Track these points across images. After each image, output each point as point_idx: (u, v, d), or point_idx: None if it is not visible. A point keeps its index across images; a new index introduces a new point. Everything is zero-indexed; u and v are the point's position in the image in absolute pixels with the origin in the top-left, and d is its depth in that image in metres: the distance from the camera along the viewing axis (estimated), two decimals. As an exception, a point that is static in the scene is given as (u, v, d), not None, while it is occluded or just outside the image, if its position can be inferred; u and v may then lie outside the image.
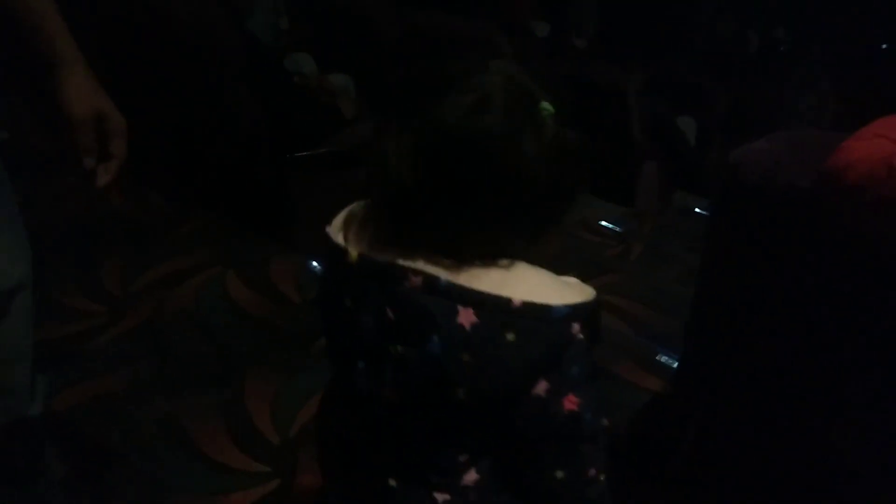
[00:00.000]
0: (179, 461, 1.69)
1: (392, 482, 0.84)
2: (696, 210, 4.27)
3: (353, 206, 0.82)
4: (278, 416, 1.81)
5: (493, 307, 0.69)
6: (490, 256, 0.72)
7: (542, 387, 0.73)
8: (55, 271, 2.32)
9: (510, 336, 0.69)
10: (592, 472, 0.80)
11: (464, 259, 0.71)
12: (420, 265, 0.71)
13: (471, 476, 0.82)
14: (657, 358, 2.21)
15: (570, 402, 0.74)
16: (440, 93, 0.70)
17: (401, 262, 0.71)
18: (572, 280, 0.78)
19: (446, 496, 0.83)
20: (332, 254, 0.78)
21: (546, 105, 0.73)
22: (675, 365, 2.13)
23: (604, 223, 3.38)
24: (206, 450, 1.71)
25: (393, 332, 0.73)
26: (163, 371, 1.96)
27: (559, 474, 0.78)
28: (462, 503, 0.83)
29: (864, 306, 1.03)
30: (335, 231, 0.79)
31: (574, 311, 0.72)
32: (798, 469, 1.25)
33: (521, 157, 0.69)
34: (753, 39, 5.60)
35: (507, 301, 0.69)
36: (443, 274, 0.70)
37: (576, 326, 0.72)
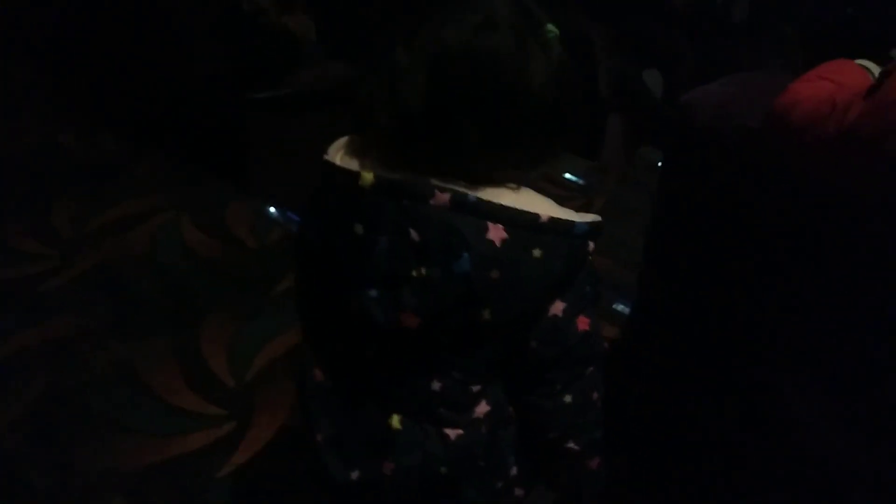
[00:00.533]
0: (135, 404, 1.68)
1: (395, 423, 0.83)
2: (660, 164, 4.31)
3: (347, 137, 0.79)
4: (234, 360, 1.81)
5: (523, 223, 0.69)
6: (499, 179, 0.72)
7: (558, 307, 0.74)
8: (2, 213, 2.26)
9: (537, 252, 0.69)
10: (595, 395, 0.83)
11: (477, 180, 0.70)
12: (443, 183, 0.69)
13: (482, 408, 0.83)
14: (613, 307, 2.25)
15: (583, 323, 0.76)
16: (446, 12, 0.69)
17: (422, 178, 0.70)
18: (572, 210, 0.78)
19: (458, 431, 0.83)
20: (337, 180, 0.75)
21: (551, 27, 0.72)
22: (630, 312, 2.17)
23: (567, 176, 3.39)
24: (161, 393, 1.71)
25: (416, 254, 0.71)
26: (117, 315, 1.93)
27: (567, 399, 0.80)
28: (475, 436, 0.84)
29: (811, 244, 1.05)
30: (339, 158, 0.76)
31: (592, 228, 0.74)
32: (747, 411, 1.28)
33: (529, 76, 0.68)
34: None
35: (536, 217, 0.69)
36: (468, 190, 0.69)
37: (591, 245, 0.75)
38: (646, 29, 4.39)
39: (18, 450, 1.55)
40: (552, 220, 0.70)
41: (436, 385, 0.81)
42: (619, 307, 2.24)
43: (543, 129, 0.72)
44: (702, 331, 1.34)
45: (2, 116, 2.67)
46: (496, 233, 0.69)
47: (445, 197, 0.69)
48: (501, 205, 0.69)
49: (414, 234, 0.70)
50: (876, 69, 1.03)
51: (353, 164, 0.74)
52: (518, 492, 0.92)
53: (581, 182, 3.38)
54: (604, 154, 3.77)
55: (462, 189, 0.69)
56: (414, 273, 0.71)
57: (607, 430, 0.87)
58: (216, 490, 1.50)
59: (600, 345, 0.81)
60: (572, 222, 0.72)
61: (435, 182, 0.69)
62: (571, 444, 0.84)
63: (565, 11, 3.77)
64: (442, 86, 0.67)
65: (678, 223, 1.30)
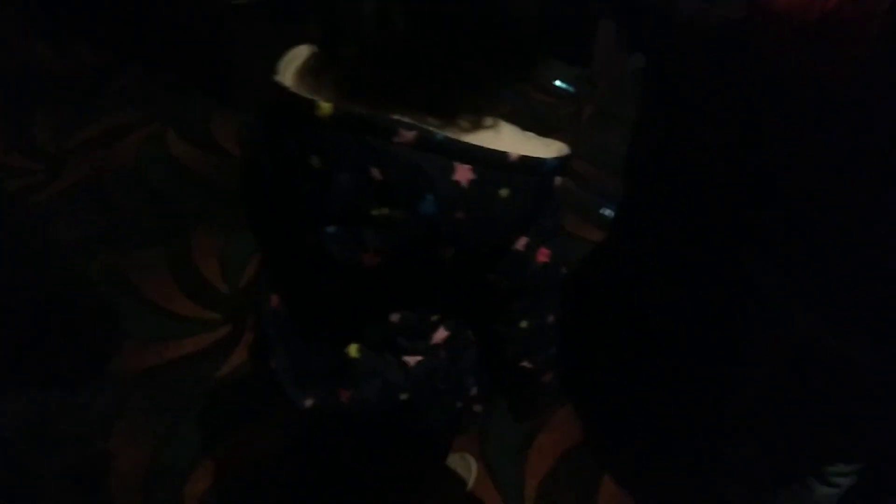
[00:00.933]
0: (130, 310, 1.72)
1: (353, 352, 0.83)
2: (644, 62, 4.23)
3: (299, 51, 0.73)
4: (227, 269, 1.85)
5: (491, 162, 0.66)
6: (475, 111, 0.67)
7: (521, 242, 0.72)
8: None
9: (504, 192, 0.67)
10: (551, 318, 0.83)
11: (451, 114, 0.66)
12: (409, 119, 0.64)
13: (440, 334, 0.84)
14: (601, 211, 2.27)
15: (543, 255, 0.75)
16: None
17: (386, 114, 0.64)
18: (547, 139, 0.74)
19: (418, 358, 0.84)
20: (289, 107, 0.68)
21: None
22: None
23: (557, 83, 3.35)
24: (156, 299, 1.75)
25: (377, 193, 0.66)
26: (107, 226, 1.95)
27: (523, 324, 0.80)
28: (434, 362, 0.85)
29: (795, 135, 1.06)
30: (291, 79, 0.69)
31: (561, 163, 0.70)
32: (724, 305, 1.32)
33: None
34: None
35: (504, 155, 0.66)
36: (437, 129, 0.65)
37: (558, 179, 0.71)
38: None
39: (16, 356, 1.60)
40: (521, 158, 0.66)
41: (394, 317, 0.80)
42: (606, 212, 2.27)
43: (524, 52, 0.67)
44: (684, 229, 1.36)
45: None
46: (463, 173, 0.65)
47: (411, 135, 0.64)
48: (469, 144, 0.65)
49: (376, 173, 0.65)
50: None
51: (306, 90, 0.68)
52: (477, 408, 0.95)
53: (571, 90, 3.34)
54: (594, 61, 3.70)
55: (428, 127, 0.64)
56: (375, 212, 0.68)
57: (594, 331, 0.89)
58: (216, 389, 1.56)
59: (559, 274, 0.79)
60: (542, 160, 0.68)
61: (399, 118, 0.64)
62: (526, 363, 0.86)
63: None
64: (415, 10, 0.61)
65: (661, 121, 1.31)
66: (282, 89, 0.68)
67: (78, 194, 2.04)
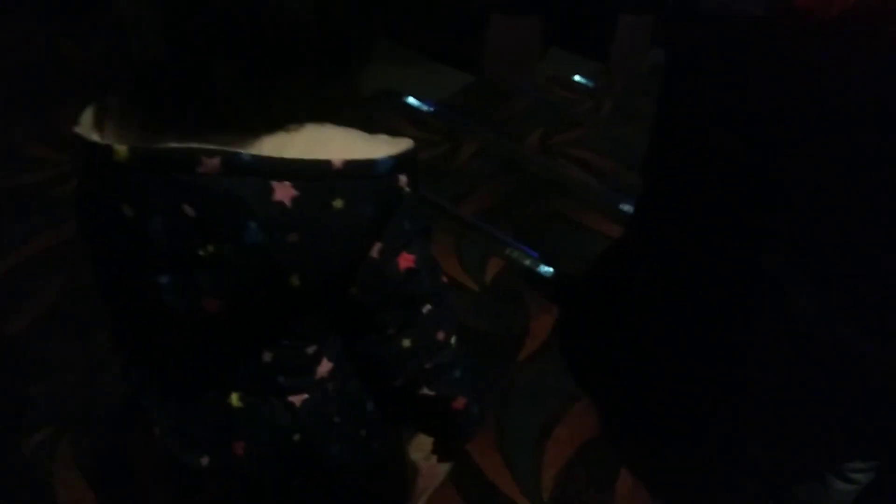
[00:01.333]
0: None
1: (235, 401, 0.77)
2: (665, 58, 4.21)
3: (103, 99, 0.66)
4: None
5: (313, 174, 0.60)
6: (285, 121, 0.62)
7: (375, 248, 0.66)
8: (11, 120, 2.28)
9: (338, 203, 0.61)
10: (441, 335, 0.76)
11: (256, 128, 0.61)
12: (211, 145, 0.59)
13: (324, 367, 0.77)
14: (620, 207, 2.27)
15: (406, 260, 0.69)
16: None
17: (185, 145, 0.59)
18: (382, 136, 0.68)
19: (303, 396, 0.77)
20: (92, 156, 0.63)
21: None
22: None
23: (576, 78, 3.34)
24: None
25: (196, 232, 0.61)
26: None
27: (406, 343, 0.74)
28: (321, 398, 0.78)
29: (817, 132, 1.05)
30: (87, 129, 0.64)
31: (398, 161, 0.65)
32: (742, 302, 1.32)
33: None
34: None
35: (327, 164, 0.60)
36: (242, 149, 0.59)
37: (402, 178, 0.66)
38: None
39: (45, 342, 1.64)
40: (347, 163, 0.61)
41: (267, 356, 0.74)
42: (626, 207, 2.27)
43: (317, 56, 0.61)
44: (704, 226, 1.36)
45: (4, 24, 2.63)
46: (283, 192, 0.59)
47: (215, 161, 0.58)
48: (282, 158, 0.59)
49: (188, 210, 0.60)
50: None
51: (104, 135, 0.62)
52: (386, 429, 0.89)
53: (590, 84, 3.33)
54: (613, 55, 3.69)
55: (232, 148, 0.59)
56: (201, 252, 0.62)
57: (611, 325, 0.82)
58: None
59: (434, 281, 0.73)
60: (372, 161, 0.63)
61: (199, 146, 0.58)
62: (426, 391, 0.78)
63: None
64: (179, 28, 0.56)
65: (682, 117, 1.31)
66: (80, 138, 0.63)
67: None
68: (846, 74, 0.95)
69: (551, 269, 2.00)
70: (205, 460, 0.81)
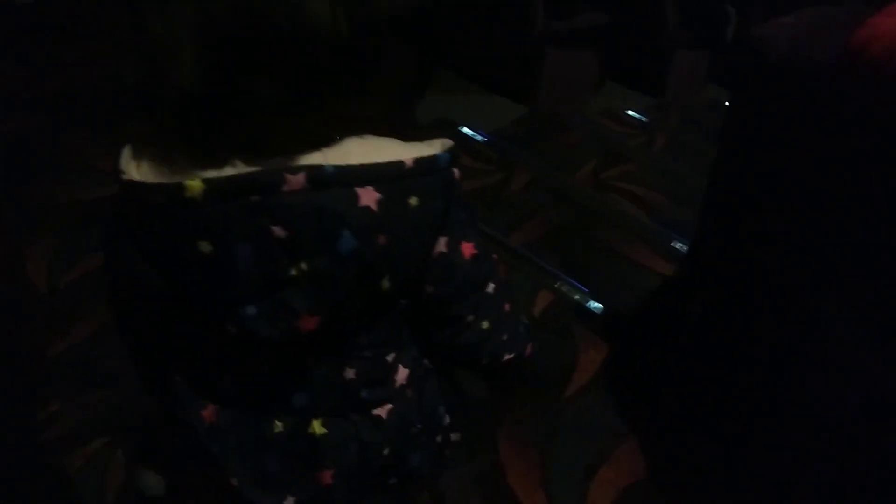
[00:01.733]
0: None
1: (317, 428, 0.77)
2: (726, 104, 4.18)
3: (135, 144, 0.64)
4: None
5: (391, 175, 0.62)
6: (330, 137, 0.63)
7: (442, 243, 0.70)
8: (81, 134, 2.37)
9: (413, 200, 0.64)
10: (507, 306, 0.80)
11: (326, 140, 0.63)
12: (290, 162, 0.60)
13: (401, 374, 0.79)
14: (672, 244, 2.25)
15: (468, 249, 0.72)
16: None
17: (253, 169, 0.59)
18: (418, 143, 0.70)
19: (388, 406, 0.79)
20: (153, 200, 0.60)
21: None
22: (686, 250, 2.18)
23: (630, 112, 3.34)
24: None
25: (287, 252, 0.62)
26: None
27: (485, 325, 0.77)
28: (404, 406, 0.80)
29: (882, 189, 1.04)
30: (140, 172, 0.61)
31: (453, 155, 0.68)
32: (795, 351, 1.30)
33: (309, 14, 0.58)
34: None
35: (400, 164, 0.63)
36: (322, 162, 0.61)
37: (456, 171, 0.69)
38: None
39: (105, 353, 1.67)
40: (416, 161, 0.64)
41: (349, 372, 0.75)
42: (678, 245, 2.25)
43: (353, 67, 0.62)
44: (760, 270, 1.35)
45: (78, 41, 2.74)
46: (368, 196, 0.61)
47: (300, 178, 0.59)
48: (362, 165, 0.61)
49: (278, 231, 0.60)
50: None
51: (163, 175, 0.61)
52: (454, 436, 0.91)
53: (643, 119, 3.33)
54: (668, 91, 3.68)
55: (315, 162, 0.60)
56: (293, 272, 0.62)
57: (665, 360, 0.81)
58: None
59: (490, 261, 0.76)
60: (435, 156, 0.65)
61: (280, 164, 0.59)
62: (507, 356, 0.82)
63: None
64: (218, 53, 0.56)
65: (744, 162, 1.30)
66: (137, 185, 0.61)
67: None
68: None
69: (601, 305, 1.99)
70: (290, 501, 0.80)
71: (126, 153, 0.63)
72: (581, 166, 2.70)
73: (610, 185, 2.59)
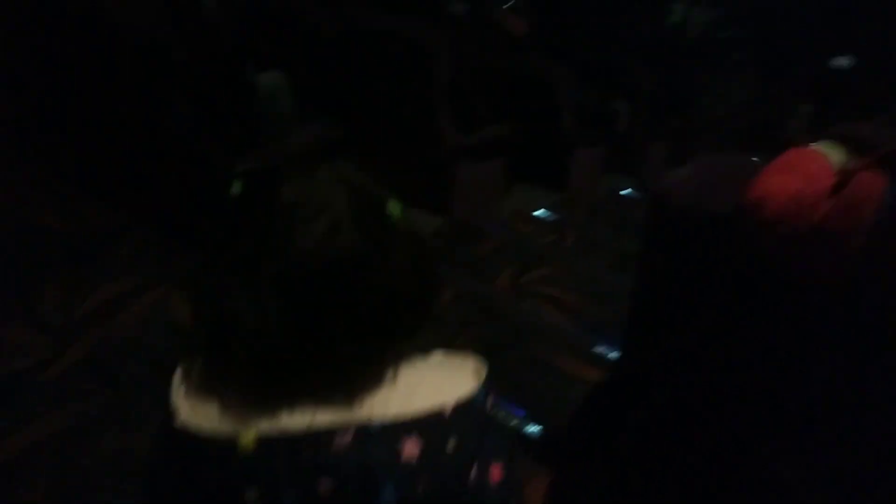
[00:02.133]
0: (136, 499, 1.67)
1: None
2: (621, 193, 4.44)
3: (184, 381, 0.69)
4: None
5: (433, 426, 0.66)
6: (381, 376, 0.67)
7: (473, 471, 0.70)
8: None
9: (451, 444, 0.66)
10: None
11: (368, 389, 0.66)
12: (338, 418, 0.64)
13: None
14: (594, 350, 2.33)
15: (496, 472, 0.72)
16: (285, 226, 0.63)
17: (312, 425, 0.63)
18: (455, 359, 0.75)
19: None
20: (202, 447, 0.65)
21: (393, 205, 0.70)
22: (612, 355, 2.25)
23: (536, 213, 3.48)
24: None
25: (332, 500, 0.64)
26: (113, 403, 1.88)
27: None
28: None
29: (794, 328, 1.12)
30: (197, 418, 0.65)
31: (486, 389, 0.71)
32: (730, 467, 1.34)
33: (385, 267, 0.64)
34: (690, 25, 5.81)
35: (441, 412, 0.66)
36: (367, 415, 0.64)
37: (490, 400, 0.72)
38: (610, 61, 4.53)
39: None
40: (456, 406, 0.67)
41: None
42: (601, 349, 2.32)
43: (411, 310, 0.68)
44: (688, 388, 1.40)
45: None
46: (411, 448, 0.64)
47: (348, 437, 0.63)
48: (402, 417, 0.65)
49: (326, 483, 0.63)
50: (832, 151, 1.09)
51: (215, 418, 0.64)
52: None
53: (552, 217, 3.47)
54: (571, 185, 3.88)
55: (358, 419, 0.64)
56: None
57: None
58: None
59: (518, 482, 0.76)
60: (474, 397, 0.69)
61: (324, 425, 0.63)
62: None
63: (525, 52, 3.89)
64: (299, 306, 0.61)
65: (659, 306, 1.37)
66: (185, 433, 0.65)
67: (83, 370, 1.97)
68: (814, 281, 1.02)
69: (538, 427, 2.01)
70: None
71: (179, 390, 0.67)
72: (500, 273, 2.78)
73: (529, 290, 2.67)
